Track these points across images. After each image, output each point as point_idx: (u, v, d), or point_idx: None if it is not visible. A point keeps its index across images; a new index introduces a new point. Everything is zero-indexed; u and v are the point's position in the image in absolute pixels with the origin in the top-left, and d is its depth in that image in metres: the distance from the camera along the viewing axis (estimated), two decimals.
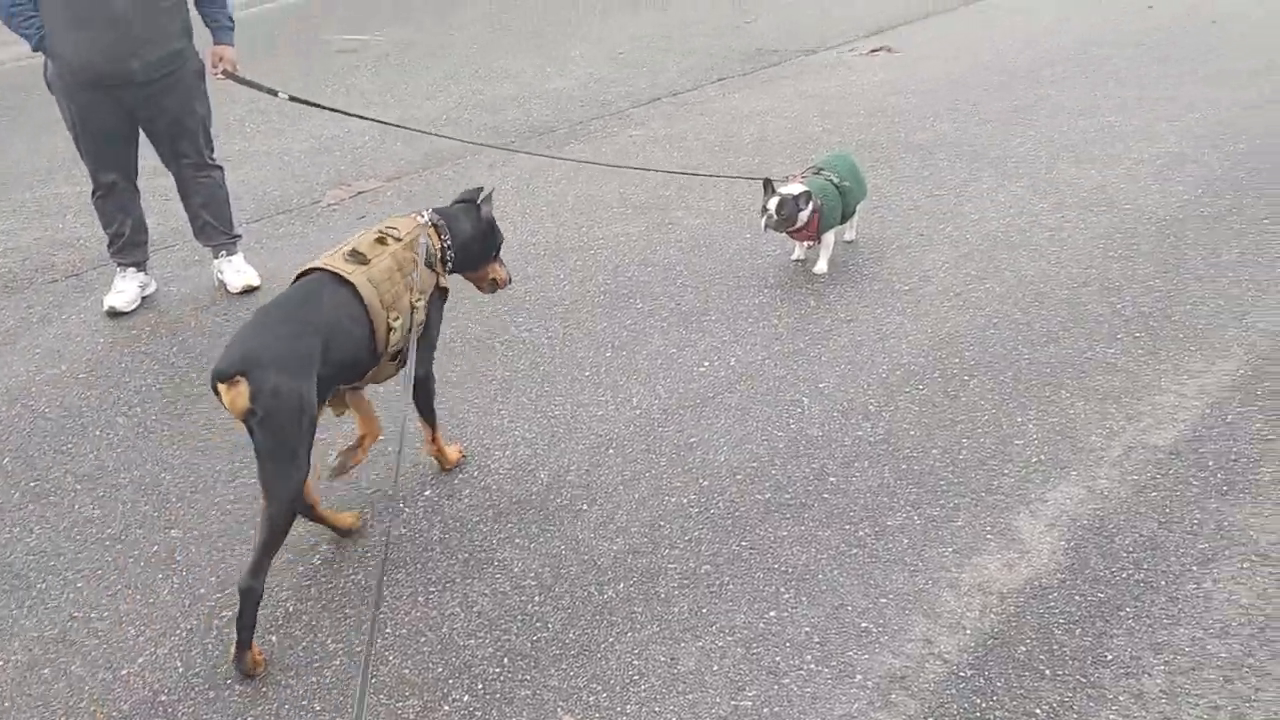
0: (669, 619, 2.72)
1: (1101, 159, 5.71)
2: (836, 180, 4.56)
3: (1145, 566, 2.76)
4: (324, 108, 4.83)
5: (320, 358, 2.70)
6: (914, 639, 2.60)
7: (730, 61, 8.66)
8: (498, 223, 3.35)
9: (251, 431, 2.65)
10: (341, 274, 2.86)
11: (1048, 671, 2.47)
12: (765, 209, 4.36)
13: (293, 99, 4.68)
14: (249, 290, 4.89)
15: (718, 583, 2.84)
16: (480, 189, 3.39)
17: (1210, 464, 3.15)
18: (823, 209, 4.45)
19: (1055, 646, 2.54)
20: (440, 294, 3.14)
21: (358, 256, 2.92)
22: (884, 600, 2.73)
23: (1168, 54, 7.74)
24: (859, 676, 2.51)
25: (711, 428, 3.54)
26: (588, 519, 3.13)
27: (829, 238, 4.58)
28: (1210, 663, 2.45)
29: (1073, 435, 3.34)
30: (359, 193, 6.24)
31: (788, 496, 3.16)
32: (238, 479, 3.44)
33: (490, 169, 6.38)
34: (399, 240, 3.02)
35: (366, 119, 5.18)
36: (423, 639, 2.74)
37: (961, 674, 2.49)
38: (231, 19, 4.64)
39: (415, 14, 11.41)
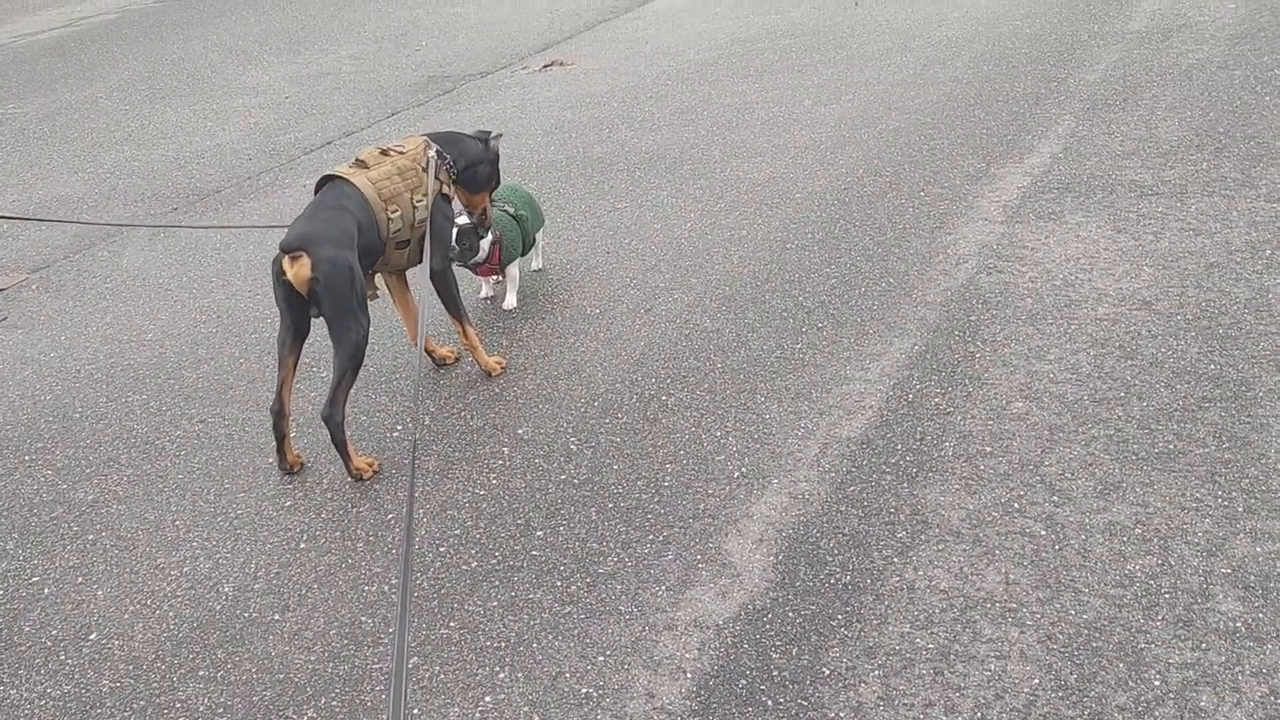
0: None
1: (768, 151, 5.86)
2: (512, 211, 4.43)
3: (851, 567, 2.77)
4: None
5: (359, 237, 3.41)
6: (636, 695, 2.48)
7: (402, 93, 8.41)
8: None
9: (316, 297, 3.26)
10: (346, 177, 3.54)
11: (769, 702, 2.41)
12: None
13: None
14: None
15: (427, 675, 2.63)
16: (489, 131, 4.05)
17: (899, 447, 3.22)
18: (503, 241, 4.30)
19: (774, 672, 2.48)
20: (442, 198, 3.77)
21: (360, 164, 3.62)
22: (602, 659, 2.60)
23: (817, 41, 8.10)
24: None
25: (405, 500, 3.30)
26: (280, 630, 2.84)
27: (514, 271, 4.44)
28: (920, 657, 2.46)
29: (770, 441, 3.34)
30: (0, 289, 5.58)
31: (494, 562, 2.99)
32: None
33: (151, 242, 5.87)
34: (402, 154, 3.67)
35: None
36: None
37: None
38: None
39: (55, 82, 10.46)
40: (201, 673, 2.74)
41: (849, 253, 4.51)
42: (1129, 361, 3.47)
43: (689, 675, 2.51)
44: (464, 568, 2.98)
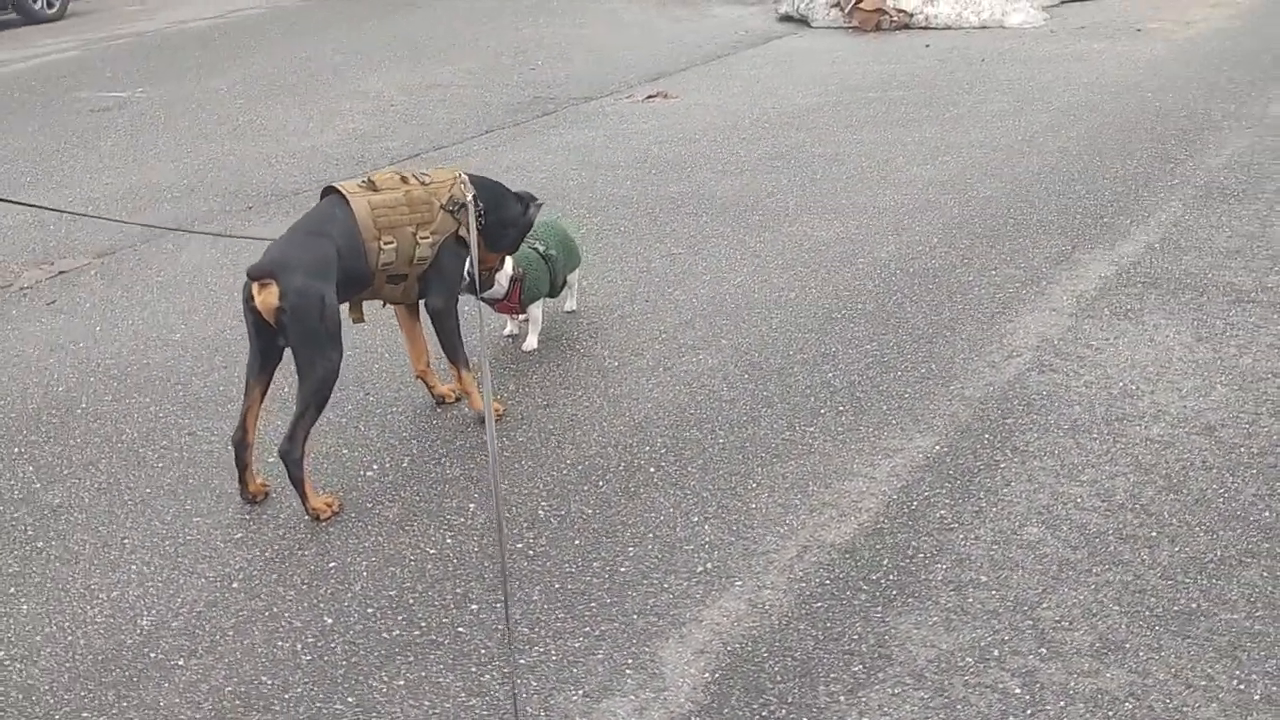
0: None
1: (846, 209, 5.54)
2: (542, 249, 4.21)
3: (790, 700, 2.45)
4: None
5: (336, 264, 3.23)
6: None
7: (501, 112, 8.34)
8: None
9: (282, 326, 3.12)
10: (345, 193, 3.35)
11: None
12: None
13: None
14: None
15: None
16: (534, 197, 3.88)
17: (885, 563, 2.88)
18: (524, 280, 4.08)
19: None
20: (458, 242, 3.51)
21: (370, 184, 3.41)
22: None
23: (930, 96, 7.71)
24: None
25: (359, 547, 3.12)
26: (178, 679, 2.67)
27: (536, 312, 4.22)
28: None
29: (749, 535, 3.03)
30: (60, 272, 5.65)
31: (417, 633, 2.76)
32: None
33: (215, 240, 5.86)
34: (423, 185, 3.46)
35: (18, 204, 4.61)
36: None
37: None
38: None
39: (186, 71, 10.77)
40: (84, 715, 2.58)
41: (896, 330, 4.17)
42: (1171, 495, 3.05)
43: None
44: (385, 634, 2.77)
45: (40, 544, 3.28)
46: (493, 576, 2.94)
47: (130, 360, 4.49)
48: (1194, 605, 2.63)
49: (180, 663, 2.73)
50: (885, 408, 3.63)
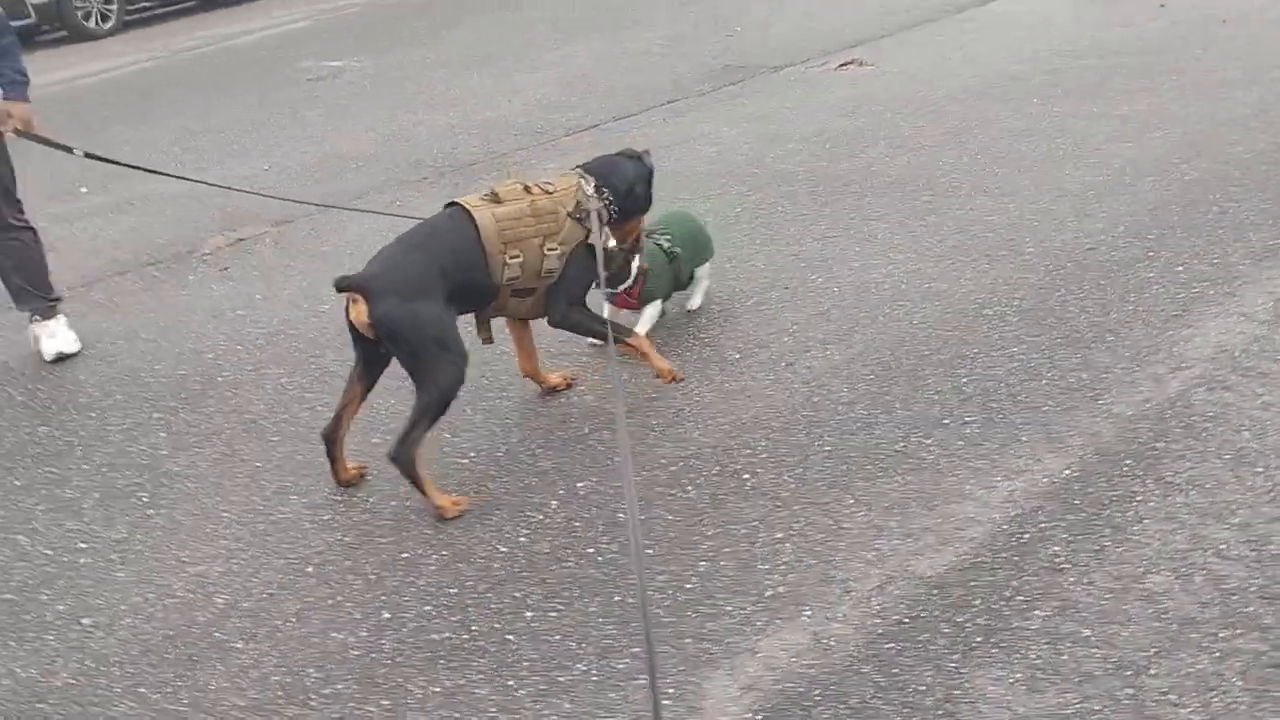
0: None
1: (1025, 191, 5.05)
2: (667, 245, 4.01)
3: None
4: (121, 164, 4.47)
5: (441, 280, 3.12)
6: None
7: (690, 81, 8.14)
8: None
9: (382, 342, 3.10)
10: (468, 207, 3.26)
11: None
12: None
13: (89, 155, 4.36)
14: (62, 358, 4.58)
15: None
16: (638, 150, 3.70)
17: (976, 603, 2.57)
18: (647, 274, 3.89)
19: None
20: (587, 249, 3.35)
21: (493, 197, 3.31)
22: None
23: (1153, 63, 6.96)
24: None
25: (434, 539, 3.07)
26: (232, 662, 2.69)
27: (652, 310, 4.00)
28: None
29: (831, 559, 2.78)
30: (239, 240, 5.91)
31: (466, 638, 2.68)
32: None
33: (391, 204, 5.97)
34: (548, 194, 3.34)
35: (159, 173, 4.81)
36: None
37: None
38: (23, 74, 4.34)
39: (399, 42, 11.12)
40: (141, 691, 2.64)
41: (1051, 331, 3.75)
42: None
43: None
44: (435, 635, 2.70)
45: (151, 512, 3.41)
46: (558, 580, 2.82)
47: (279, 329, 4.63)
48: None
49: (239, 646, 2.75)
50: (1019, 421, 3.26)
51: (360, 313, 3.05)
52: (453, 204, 3.36)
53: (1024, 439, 3.17)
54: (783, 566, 2.77)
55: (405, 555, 3.03)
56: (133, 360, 4.52)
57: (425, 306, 3.07)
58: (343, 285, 3.08)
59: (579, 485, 3.24)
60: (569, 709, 2.41)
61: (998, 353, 3.66)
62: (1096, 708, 2.23)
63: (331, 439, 3.26)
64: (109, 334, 4.84)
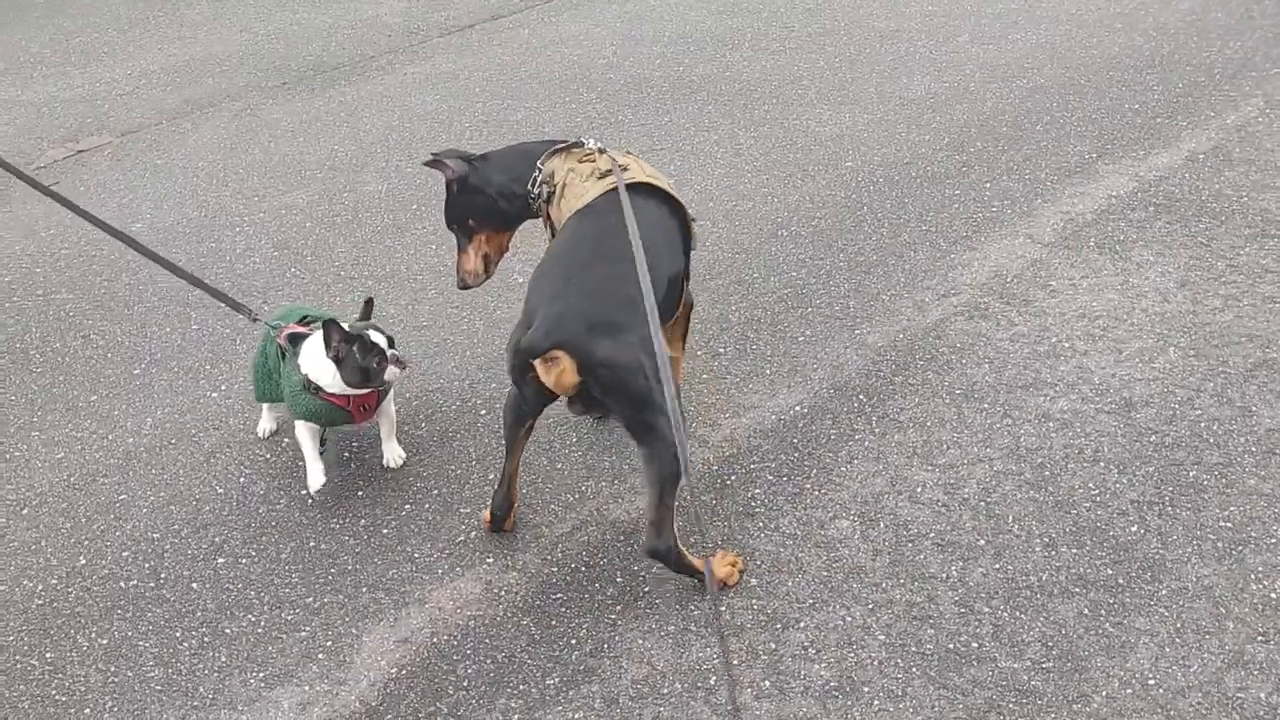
0: None
1: (869, 99, 4.88)
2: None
3: (459, 714, 2.17)
4: None
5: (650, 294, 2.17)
6: None
7: None
8: None
9: (594, 398, 2.27)
10: (650, 182, 2.50)
11: None
12: None
13: None
14: None
15: None
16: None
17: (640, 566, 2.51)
18: None
19: None
20: None
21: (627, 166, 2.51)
22: None
23: None
24: None
25: (154, 481, 3.00)
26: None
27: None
28: None
29: (533, 502, 2.71)
30: (80, 151, 5.72)
31: (153, 585, 2.62)
32: None
33: (235, 119, 5.76)
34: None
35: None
36: None
37: None
38: None
39: None
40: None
41: (837, 254, 3.64)
42: (1032, 493, 2.53)
43: None
44: (121, 585, 2.64)
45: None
46: (258, 525, 2.76)
47: (82, 252, 4.49)
48: (972, 645, 2.16)
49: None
50: (769, 352, 3.18)
51: (566, 376, 2.21)
52: (638, 185, 2.51)
53: (767, 372, 3.10)
54: (481, 508, 2.71)
55: (124, 497, 2.96)
56: None
57: (643, 341, 2.19)
58: (537, 347, 2.20)
59: None
60: (224, 662, 2.37)
61: (776, 278, 3.56)
62: (734, 663, 2.20)
63: (505, 505, 2.59)
64: None
